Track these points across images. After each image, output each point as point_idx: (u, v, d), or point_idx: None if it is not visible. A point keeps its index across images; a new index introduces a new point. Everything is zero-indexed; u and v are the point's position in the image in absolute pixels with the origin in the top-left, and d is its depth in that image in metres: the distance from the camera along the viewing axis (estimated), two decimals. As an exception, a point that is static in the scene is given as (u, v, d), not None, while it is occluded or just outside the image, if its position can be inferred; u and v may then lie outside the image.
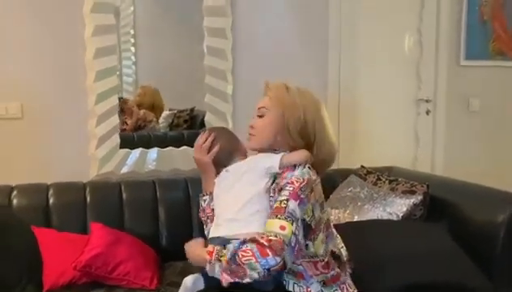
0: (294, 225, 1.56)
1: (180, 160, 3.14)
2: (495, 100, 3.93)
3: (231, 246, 1.59)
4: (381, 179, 2.67)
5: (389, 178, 2.66)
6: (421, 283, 2.01)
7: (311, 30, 3.40)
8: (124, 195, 2.61)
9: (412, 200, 2.43)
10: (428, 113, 3.80)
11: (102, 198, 2.60)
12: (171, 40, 3.45)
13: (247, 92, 3.20)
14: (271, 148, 1.77)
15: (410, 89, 3.78)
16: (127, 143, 3.10)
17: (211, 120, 3.16)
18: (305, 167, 1.68)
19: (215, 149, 1.87)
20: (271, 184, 1.70)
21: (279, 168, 1.69)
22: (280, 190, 1.64)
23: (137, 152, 3.10)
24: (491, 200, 2.35)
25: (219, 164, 1.86)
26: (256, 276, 1.53)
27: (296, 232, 1.56)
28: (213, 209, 1.85)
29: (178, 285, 2.21)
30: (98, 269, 2.18)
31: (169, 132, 3.42)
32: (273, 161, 1.71)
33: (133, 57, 3.45)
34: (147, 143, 3.20)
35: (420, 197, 2.44)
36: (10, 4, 2.80)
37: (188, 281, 1.77)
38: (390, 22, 3.69)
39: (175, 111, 3.46)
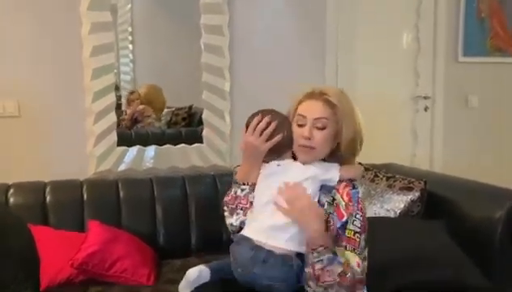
0: (363, 256, 1.62)
1: (178, 157, 3.14)
2: (493, 97, 3.93)
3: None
4: (378, 176, 2.67)
5: (386, 175, 2.65)
6: (418, 280, 2.01)
7: (309, 26, 3.40)
8: (121, 193, 2.62)
9: (410, 197, 2.43)
10: (426, 109, 3.80)
11: (99, 196, 2.60)
12: (169, 38, 3.44)
13: (245, 89, 3.21)
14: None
15: (408, 86, 3.79)
16: (125, 140, 3.09)
17: (208, 118, 3.16)
18: (358, 185, 1.69)
19: (277, 138, 1.68)
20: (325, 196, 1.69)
21: (337, 182, 1.66)
22: (345, 209, 1.63)
23: (134, 149, 3.09)
24: (489, 197, 2.35)
25: (271, 155, 1.72)
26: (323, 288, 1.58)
27: (366, 263, 1.63)
28: (251, 202, 1.75)
29: (176, 282, 2.21)
30: (95, 267, 2.18)
31: (167, 130, 3.42)
32: (331, 173, 1.66)
33: (130, 55, 3.44)
34: (145, 141, 3.19)
35: (417, 194, 2.44)
36: (7, 3, 2.79)
37: (191, 273, 1.70)
38: (388, 18, 3.69)
39: (173, 109, 3.46)
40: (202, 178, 2.82)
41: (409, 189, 2.47)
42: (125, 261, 2.23)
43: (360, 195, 1.66)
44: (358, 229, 1.61)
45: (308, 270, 1.61)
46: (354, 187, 1.67)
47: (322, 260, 1.58)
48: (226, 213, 1.82)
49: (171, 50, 3.43)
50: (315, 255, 1.58)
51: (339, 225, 1.63)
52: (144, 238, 2.49)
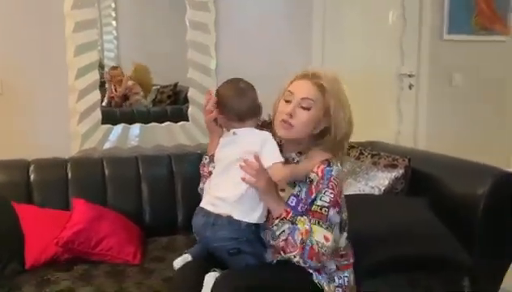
0: (334, 232, 1.66)
1: (163, 136, 3.12)
2: (477, 75, 3.95)
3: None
4: (363, 154, 2.69)
5: (371, 153, 2.67)
6: (402, 256, 2.04)
7: (296, 4, 3.37)
8: (106, 172, 2.60)
9: (394, 174, 2.45)
10: (410, 87, 3.81)
11: (84, 174, 2.59)
12: (153, 14, 3.39)
13: (231, 66, 3.17)
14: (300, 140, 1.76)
15: (393, 64, 3.79)
16: (109, 118, 3.06)
17: (194, 95, 3.14)
18: (336, 162, 1.70)
19: (213, 114, 1.80)
20: None
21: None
22: (315, 186, 1.67)
23: (119, 127, 3.06)
24: (471, 173, 2.38)
25: (230, 124, 1.79)
26: (295, 260, 1.66)
27: (336, 238, 1.67)
28: (210, 171, 1.86)
29: (162, 259, 2.26)
30: (81, 245, 2.18)
31: (152, 108, 3.39)
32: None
33: (114, 32, 3.38)
34: (130, 119, 3.16)
35: (401, 171, 2.46)
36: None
37: (176, 265, 1.82)
38: (375, -4, 3.68)
39: (158, 86, 3.43)
40: (187, 156, 2.82)
41: (393, 166, 2.50)
42: (110, 239, 2.23)
43: (334, 173, 1.68)
44: (326, 204, 1.65)
45: (273, 243, 1.67)
46: (329, 165, 1.68)
47: (283, 231, 1.64)
48: (201, 180, 1.94)
49: (156, 27, 3.38)
50: (274, 227, 1.65)
51: (309, 201, 1.68)
52: (130, 217, 2.49)
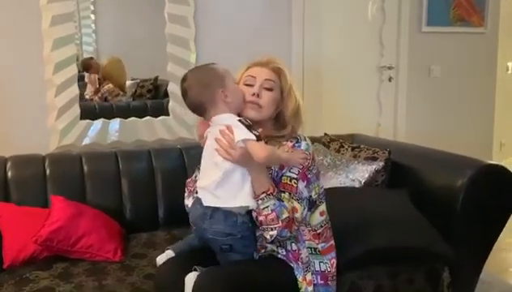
0: (303, 205, 1.70)
1: (143, 130, 3.10)
2: (455, 67, 3.99)
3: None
4: (344, 146, 2.70)
5: (351, 145, 2.68)
6: (383, 249, 2.04)
7: (275, -3, 3.37)
8: (85, 168, 2.56)
9: (374, 167, 2.46)
10: (390, 80, 3.83)
11: (63, 171, 2.54)
12: (132, 7, 3.36)
13: (211, 60, 3.10)
14: (266, 121, 1.80)
15: (373, 56, 3.80)
16: (88, 113, 3.03)
17: (174, 90, 3.11)
18: (305, 139, 1.76)
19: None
20: None
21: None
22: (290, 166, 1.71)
23: (99, 123, 3.03)
24: (451, 165, 2.39)
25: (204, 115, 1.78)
26: (269, 235, 1.65)
27: (305, 212, 1.71)
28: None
29: (143, 256, 2.24)
30: (60, 243, 2.15)
31: (132, 102, 3.36)
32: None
33: (93, 25, 3.34)
34: (109, 114, 3.13)
35: (381, 163, 2.47)
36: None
37: (160, 260, 1.83)
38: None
39: (138, 80, 3.39)
40: (168, 151, 2.79)
41: (374, 159, 2.51)
42: (90, 237, 2.20)
43: (303, 148, 1.74)
44: (295, 176, 1.69)
45: (256, 217, 1.67)
46: (298, 141, 1.76)
47: (267, 207, 1.64)
48: (185, 194, 1.92)
49: (135, 20, 3.35)
50: (260, 202, 1.65)
51: (279, 175, 1.72)
52: (110, 213, 2.45)
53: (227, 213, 1.70)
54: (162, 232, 2.49)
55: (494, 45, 4.17)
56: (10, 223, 2.22)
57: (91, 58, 3.30)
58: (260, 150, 1.61)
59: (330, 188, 2.41)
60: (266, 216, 1.64)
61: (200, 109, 1.75)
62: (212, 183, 1.69)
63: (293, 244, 1.76)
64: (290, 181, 1.69)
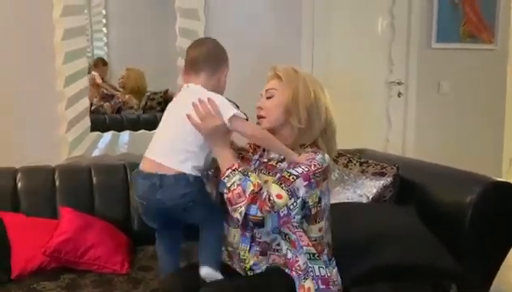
0: (292, 200, 1.64)
1: (152, 143, 3.11)
2: (465, 83, 3.98)
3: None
4: (352, 161, 2.69)
5: (359, 161, 2.68)
6: (390, 265, 2.03)
7: (285, 11, 3.39)
8: (94, 179, 2.59)
9: (382, 182, 2.46)
10: (399, 95, 3.83)
11: (72, 182, 2.57)
12: (144, 21, 3.39)
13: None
14: (279, 129, 1.79)
15: (382, 72, 3.81)
16: (99, 126, 3.05)
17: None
18: (324, 154, 1.74)
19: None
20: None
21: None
22: (295, 166, 1.69)
23: (108, 135, 3.05)
24: (459, 182, 2.38)
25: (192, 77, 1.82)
26: (238, 212, 1.62)
27: (291, 207, 1.64)
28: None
29: (149, 269, 2.24)
30: (68, 254, 2.16)
31: (142, 115, 3.38)
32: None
33: (105, 38, 3.38)
34: (120, 126, 3.16)
35: (389, 179, 2.46)
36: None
37: None
38: (364, 4, 3.70)
39: (148, 93, 3.42)
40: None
41: (382, 174, 2.50)
42: (98, 249, 2.21)
43: (317, 158, 1.70)
44: (295, 173, 1.66)
45: (227, 198, 1.66)
46: (316, 153, 1.73)
47: (233, 183, 1.64)
48: None
49: (146, 34, 3.38)
50: (226, 179, 1.65)
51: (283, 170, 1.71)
52: (118, 225, 2.47)
53: (176, 177, 1.68)
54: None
55: (504, 62, 4.16)
56: (18, 234, 2.24)
57: (101, 59, 3.32)
58: (251, 126, 1.71)
59: (337, 203, 2.41)
60: (232, 191, 1.63)
61: (203, 64, 1.79)
62: (168, 141, 1.72)
63: (289, 251, 1.74)
64: (289, 176, 1.66)
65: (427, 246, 2.16)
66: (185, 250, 1.99)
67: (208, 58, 1.80)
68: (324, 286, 1.74)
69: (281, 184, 1.64)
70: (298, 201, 1.65)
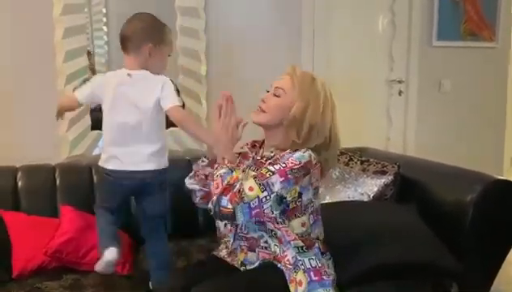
0: (265, 193, 1.64)
1: (153, 141, 3.10)
2: (466, 81, 3.97)
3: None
4: (353, 160, 2.69)
5: (360, 159, 2.68)
6: (391, 263, 2.03)
7: (285, 9, 3.38)
8: (95, 178, 2.58)
9: (383, 180, 2.45)
10: (400, 93, 3.83)
11: (72, 181, 2.57)
12: (144, 20, 3.38)
13: (221, 72, 3.18)
14: (273, 128, 1.81)
15: (383, 70, 3.81)
16: (99, 124, 3.03)
17: (184, 101, 3.12)
18: (306, 151, 1.72)
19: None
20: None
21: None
22: (274, 163, 1.70)
23: (109, 133, 3.05)
24: (460, 180, 2.37)
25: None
26: (211, 202, 1.67)
27: (263, 200, 1.63)
28: (206, 175, 1.89)
29: None
30: (69, 255, 2.16)
31: (142, 113, 3.37)
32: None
33: (105, 37, 3.37)
34: (120, 125, 3.14)
35: (390, 177, 2.46)
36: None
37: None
38: (364, 2, 3.69)
39: (148, 92, 3.41)
40: (177, 163, 2.78)
41: (383, 173, 2.50)
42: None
43: (294, 155, 1.70)
44: (272, 169, 1.67)
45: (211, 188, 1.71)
46: (294, 152, 1.73)
47: (218, 175, 1.68)
48: (190, 174, 2.04)
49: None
50: (214, 171, 1.71)
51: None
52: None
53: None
54: (170, 244, 2.48)
55: (505, 60, 4.15)
56: (19, 232, 2.24)
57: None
58: (179, 113, 1.99)
59: (338, 202, 2.41)
60: (215, 182, 1.67)
61: (128, 42, 1.98)
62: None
63: (277, 247, 1.75)
64: (266, 172, 1.66)
65: (428, 244, 2.15)
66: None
67: (133, 35, 1.95)
68: (317, 278, 1.75)
69: (255, 178, 1.65)
70: (272, 195, 1.64)
